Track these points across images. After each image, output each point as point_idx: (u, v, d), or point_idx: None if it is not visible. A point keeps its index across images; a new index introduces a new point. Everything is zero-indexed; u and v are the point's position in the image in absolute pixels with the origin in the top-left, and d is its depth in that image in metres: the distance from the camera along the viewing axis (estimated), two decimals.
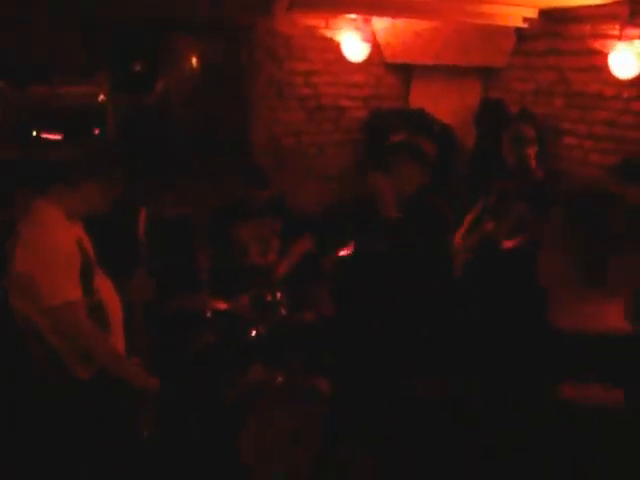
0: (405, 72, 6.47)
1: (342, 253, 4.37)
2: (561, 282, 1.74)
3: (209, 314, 4.14)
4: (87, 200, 2.88)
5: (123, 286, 3.19)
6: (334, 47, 6.03)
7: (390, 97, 6.45)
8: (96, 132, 4.70)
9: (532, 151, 4.54)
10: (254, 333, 4.02)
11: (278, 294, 4.21)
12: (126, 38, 5.19)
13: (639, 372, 1.59)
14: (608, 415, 1.53)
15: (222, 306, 4.10)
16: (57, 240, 2.73)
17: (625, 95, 5.44)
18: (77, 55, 4.80)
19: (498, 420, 1.68)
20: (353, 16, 5.95)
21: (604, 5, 5.39)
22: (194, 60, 5.67)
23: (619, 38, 5.32)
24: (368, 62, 6.16)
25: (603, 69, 5.49)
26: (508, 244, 4.35)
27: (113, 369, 2.90)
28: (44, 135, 4.48)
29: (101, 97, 4.75)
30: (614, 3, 5.29)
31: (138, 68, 5.31)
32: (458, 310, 4.14)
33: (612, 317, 1.64)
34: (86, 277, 2.84)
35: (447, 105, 6.58)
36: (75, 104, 4.56)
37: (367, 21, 6.05)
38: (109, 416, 2.88)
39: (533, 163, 4.56)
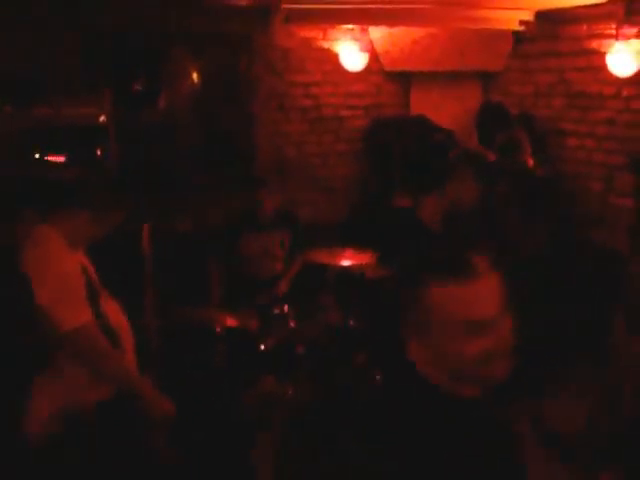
0: (404, 80, 6.49)
1: (345, 264, 4.38)
2: None
3: (219, 329, 4.14)
4: (86, 227, 2.89)
5: (134, 308, 3.21)
6: (332, 58, 6.06)
7: (390, 105, 6.48)
8: (98, 153, 4.72)
9: (526, 154, 4.56)
10: (263, 347, 4.03)
11: (285, 307, 4.22)
12: (126, 55, 5.23)
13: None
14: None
15: (231, 322, 4.11)
16: (62, 267, 2.74)
17: (624, 94, 5.44)
18: (77, 74, 4.85)
19: None
20: (350, 26, 5.99)
21: (600, 5, 5.39)
22: (195, 75, 5.70)
23: (616, 37, 5.33)
24: (367, 71, 6.20)
25: (601, 69, 5.49)
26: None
27: (130, 389, 2.90)
28: (47, 157, 4.51)
29: (102, 118, 4.78)
30: (609, 2, 5.29)
31: (139, 86, 5.35)
32: None
33: None
34: (92, 302, 2.85)
35: (448, 110, 6.59)
36: (77, 125, 4.58)
37: (364, 31, 6.09)
38: (117, 441, 2.88)
39: (530, 163, 4.58)
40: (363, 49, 6.07)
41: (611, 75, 5.41)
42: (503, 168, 4.58)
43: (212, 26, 5.47)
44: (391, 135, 6.18)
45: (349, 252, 4.47)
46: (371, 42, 6.17)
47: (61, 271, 2.71)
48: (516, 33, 6.29)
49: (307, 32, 5.95)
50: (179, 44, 5.51)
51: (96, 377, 2.82)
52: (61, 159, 4.43)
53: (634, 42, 5.23)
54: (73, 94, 4.75)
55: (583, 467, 3.29)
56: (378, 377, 3.81)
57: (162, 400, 2.98)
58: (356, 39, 6.04)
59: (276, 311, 4.20)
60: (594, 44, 5.61)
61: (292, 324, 4.13)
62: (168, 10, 5.24)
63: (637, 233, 4.01)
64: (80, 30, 4.82)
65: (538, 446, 3.36)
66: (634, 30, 5.23)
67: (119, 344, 2.97)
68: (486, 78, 6.74)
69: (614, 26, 5.38)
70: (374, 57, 6.18)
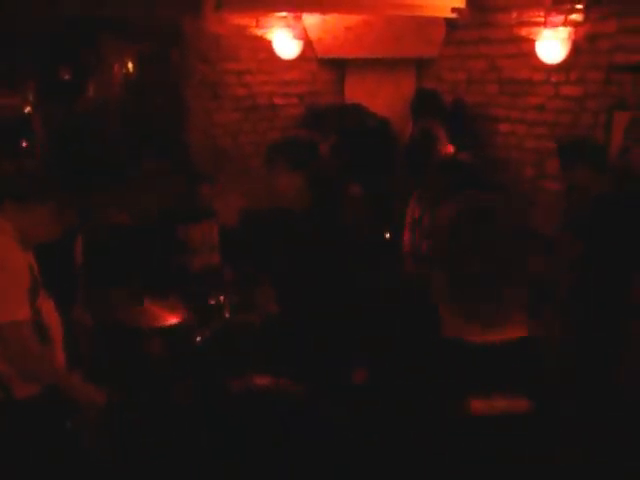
0: (339, 67, 6.49)
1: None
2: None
3: (154, 322, 4.08)
4: (41, 225, 2.85)
5: (66, 313, 3.16)
6: (266, 46, 6.02)
7: (325, 93, 6.48)
8: (24, 145, 4.59)
9: (441, 144, 4.61)
10: (199, 339, 3.98)
11: (221, 297, 4.17)
12: (51, 44, 5.08)
13: (540, 376, 1.58)
14: (516, 424, 1.51)
15: (167, 315, 4.04)
16: (9, 258, 2.70)
17: (553, 80, 5.54)
18: None
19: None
20: (283, 14, 5.94)
21: None
22: (124, 64, 5.58)
23: (544, 25, 5.42)
24: (301, 59, 6.18)
25: (531, 55, 5.59)
26: None
27: (59, 385, 2.86)
28: None
29: (27, 109, 4.65)
30: None
31: (66, 76, 5.20)
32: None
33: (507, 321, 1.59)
34: (32, 301, 2.81)
35: (383, 98, 6.62)
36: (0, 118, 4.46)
37: (298, 18, 6.06)
38: (47, 436, 2.83)
39: (449, 151, 4.63)
40: (297, 36, 6.05)
41: (540, 62, 5.52)
42: (418, 159, 4.62)
43: (141, 12, 5.35)
44: (326, 123, 6.16)
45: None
46: (305, 29, 6.13)
47: (9, 266, 2.68)
48: (449, 20, 6.33)
49: (240, 19, 5.89)
50: (107, 31, 5.37)
51: (22, 375, 2.77)
52: None
53: (562, 30, 5.33)
54: None
55: None
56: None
57: (90, 389, 2.94)
58: (289, 26, 6.01)
59: (212, 302, 4.15)
60: (523, 31, 5.69)
61: (227, 315, 4.09)
62: None
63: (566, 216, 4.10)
64: (0, 17, 4.66)
65: None
66: (561, 18, 5.33)
67: (49, 340, 2.92)
68: (420, 65, 6.78)
69: (542, 14, 5.47)
70: (308, 44, 6.16)
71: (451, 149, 4.91)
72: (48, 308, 2.97)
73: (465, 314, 1.58)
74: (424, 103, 6.07)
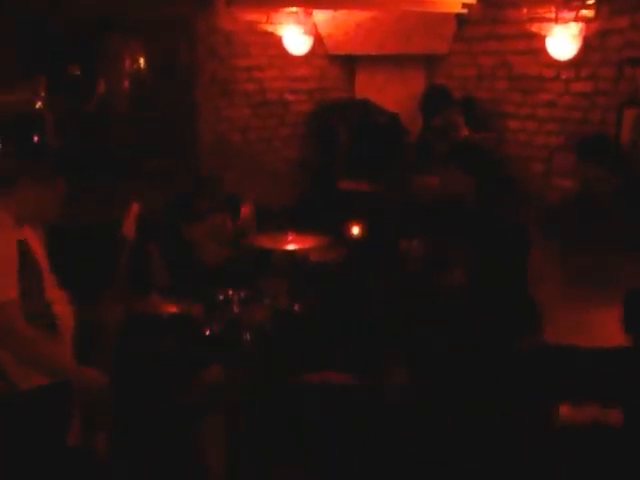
0: (349, 63, 6.49)
1: (290, 248, 4.38)
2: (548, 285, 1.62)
3: (163, 317, 4.10)
4: (28, 203, 2.86)
5: (92, 306, 3.16)
6: (276, 41, 6.02)
7: (335, 89, 6.48)
8: (35, 139, 4.62)
9: (461, 134, 4.62)
10: (208, 333, 4.00)
11: (230, 291, 4.19)
12: (62, 40, 5.10)
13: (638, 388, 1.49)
14: (607, 435, 1.46)
15: (173, 309, 4.06)
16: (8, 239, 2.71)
17: (564, 76, 5.53)
18: (11, 59, 4.72)
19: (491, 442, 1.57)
20: (294, 9, 5.95)
21: None
22: (135, 60, 5.60)
23: (555, 21, 5.41)
24: (311, 55, 6.18)
25: (542, 52, 5.58)
26: None
27: (50, 372, 2.85)
28: None
29: (38, 104, 4.67)
30: None
31: (76, 72, 5.22)
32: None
33: (608, 327, 1.53)
34: (29, 281, 2.80)
35: (392, 94, 6.61)
36: (12, 112, 4.47)
37: (308, 14, 6.06)
38: (51, 430, 2.84)
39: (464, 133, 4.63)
40: (307, 32, 6.05)
41: (551, 58, 5.51)
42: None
43: (152, 9, 5.37)
44: (336, 119, 6.18)
45: (293, 236, 4.46)
46: (315, 25, 6.14)
47: None
48: (459, 16, 6.32)
49: (250, 15, 5.89)
50: (118, 28, 5.39)
51: (21, 363, 2.77)
52: None
53: (572, 26, 5.32)
54: (7, 80, 4.63)
55: None
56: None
57: (91, 372, 2.91)
58: (300, 22, 6.01)
59: (220, 296, 4.16)
60: (534, 27, 5.68)
61: (236, 309, 4.10)
62: None
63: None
64: (14, 14, 4.68)
65: None
66: (572, 14, 5.32)
67: (57, 332, 2.93)
68: (430, 61, 6.77)
69: (553, 10, 5.46)
70: (318, 41, 6.16)
71: (466, 131, 4.93)
72: (59, 298, 2.98)
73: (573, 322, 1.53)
74: (435, 98, 6.07)
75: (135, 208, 3.32)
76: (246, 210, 4.86)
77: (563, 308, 1.52)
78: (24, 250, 2.81)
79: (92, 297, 3.18)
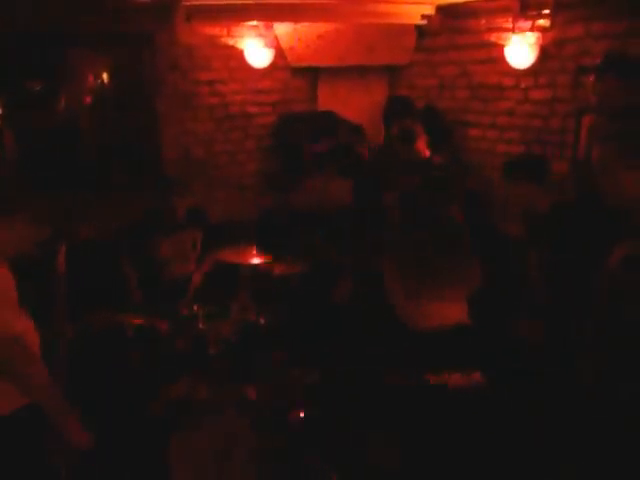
0: (311, 75, 6.52)
1: (254, 262, 4.38)
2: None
3: (131, 332, 4.08)
4: (18, 238, 2.83)
5: (43, 328, 3.14)
6: (237, 55, 6.03)
7: (298, 101, 6.50)
8: None
9: (421, 144, 4.65)
10: (173, 349, 3.98)
11: (195, 307, 4.18)
12: (22, 55, 5.06)
13: (491, 356, 1.72)
14: (470, 395, 1.64)
15: (138, 320, 4.05)
16: (7, 279, 2.69)
17: (523, 85, 5.61)
18: None
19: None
20: (254, 23, 5.96)
21: None
22: (96, 74, 5.57)
23: (513, 31, 5.49)
24: (273, 67, 6.20)
25: (501, 61, 5.66)
26: None
27: (52, 408, 2.81)
28: None
29: None
30: None
31: (37, 87, 5.18)
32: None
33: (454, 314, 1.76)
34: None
35: (355, 105, 6.66)
36: None
37: (269, 27, 6.07)
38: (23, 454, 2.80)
39: (426, 153, 4.67)
40: (268, 45, 6.06)
41: (510, 67, 5.59)
42: (397, 157, 4.66)
43: (112, 24, 5.35)
44: (300, 131, 6.19)
45: (257, 250, 4.46)
46: (276, 38, 6.16)
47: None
48: (419, 27, 6.40)
49: (211, 29, 5.90)
50: (78, 42, 5.36)
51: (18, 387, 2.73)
52: None
53: (529, 35, 5.41)
54: None
55: None
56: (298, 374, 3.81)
57: (82, 431, 2.88)
58: (261, 35, 6.02)
59: (185, 312, 4.15)
60: (493, 37, 5.77)
61: (201, 325, 4.09)
62: (66, 8, 5.11)
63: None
64: None
65: None
66: (529, 23, 5.41)
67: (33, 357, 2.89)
68: (392, 72, 6.84)
69: (511, 20, 5.54)
70: (280, 53, 6.18)
71: (427, 152, 4.96)
72: (27, 325, 2.95)
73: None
74: (397, 109, 6.12)
75: (62, 249, 3.44)
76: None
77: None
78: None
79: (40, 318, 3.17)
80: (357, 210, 3.88)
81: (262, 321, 4.22)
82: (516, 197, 3.96)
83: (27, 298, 3.00)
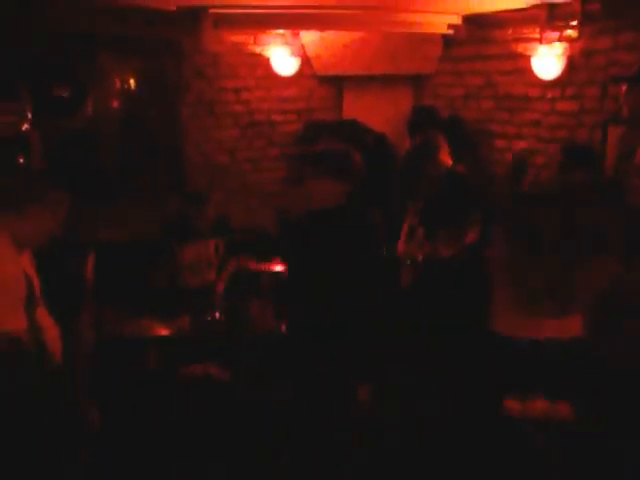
0: (336, 84, 6.53)
1: (277, 269, 4.38)
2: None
3: (152, 339, 4.11)
4: (35, 226, 2.83)
5: (66, 331, 3.17)
6: (264, 62, 6.06)
7: (323, 109, 6.51)
8: (20, 161, 4.62)
9: (443, 155, 4.62)
10: (196, 354, 4.00)
11: (217, 314, 4.19)
12: (50, 59, 5.11)
13: (591, 383, 1.48)
14: (554, 430, 1.42)
15: (164, 332, 4.07)
16: (5, 272, 2.68)
17: (549, 96, 5.57)
18: None
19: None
20: (281, 31, 5.99)
21: (524, 10, 5.52)
22: (122, 80, 5.62)
23: (540, 41, 5.45)
24: (299, 76, 6.22)
25: (527, 71, 5.62)
26: (446, 252, 4.40)
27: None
28: None
29: (25, 126, 4.68)
30: (533, 7, 5.41)
31: (64, 92, 5.23)
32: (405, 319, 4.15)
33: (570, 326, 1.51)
34: (29, 311, 2.80)
35: (380, 114, 6.65)
36: None
37: (295, 35, 6.10)
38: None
39: (449, 163, 4.65)
40: (295, 53, 6.09)
41: (536, 78, 5.54)
42: (420, 167, 4.64)
43: (140, 31, 5.41)
44: (324, 139, 6.19)
45: (279, 257, 4.47)
46: (303, 46, 6.18)
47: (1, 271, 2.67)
48: (445, 37, 6.38)
49: (237, 37, 5.94)
50: (106, 48, 5.41)
51: None
52: None
53: (557, 45, 5.36)
54: None
55: None
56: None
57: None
58: (287, 44, 6.05)
59: (208, 318, 4.16)
60: (519, 48, 5.73)
61: (224, 330, 4.10)
62: (94, 14, 5.17)
63: None
64: None
65: None
66: (556, 34, 5.36)
67: (48, 358, 2.92)
68: (417, 81, 6.82)
69: (538, 30, 5.50)
70: (306, 61, 6.21)
71: (449, 162, 4.92)
72: (49, 325, 2.96)
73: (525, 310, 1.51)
74: (422, 118, 6.10)
75: (91, 258, 3.50)
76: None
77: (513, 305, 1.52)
78: (27, 279, 2.81)
79: (66, 317, 3.19)
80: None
81: (283, 327, 4.23)
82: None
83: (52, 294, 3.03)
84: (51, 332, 2.96)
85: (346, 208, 3.46)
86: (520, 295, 1.48)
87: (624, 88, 4.18)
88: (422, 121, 5.95)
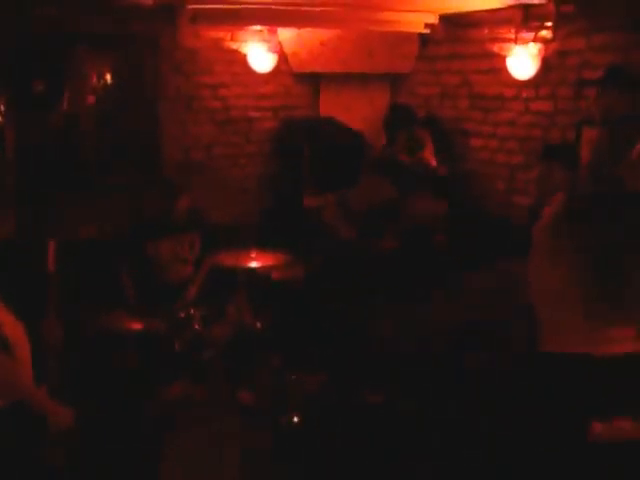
0: (313, 81, 6.54)
1: (252, 266, 4.38)
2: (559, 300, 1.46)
3: (125, 334, 4.08)
4: None
5: (33, 328, 3.14)
6: (241, 59, 6.06)
7: (300, 106, 6.52)
8: None
9: (428, 152, 4.66)
10: (169, 351, 3.98)
11: (191, 310, 4.17)
12: (23, 56, 5.07)
13: None
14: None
15: (137, 326, 4.05)
16: None
17: (524, 95, 5.63)
18: None
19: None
20: (258, 27, 5.99)
21: (499, 10, 5.58)
22: (99, 76, 5.59)
23: (515, 41, 5.51)
24: (276, 73, 6.22)
25: (502, 71, 5.68)
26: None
27: (24, 400, 2.83)
28: None
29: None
30: (508, 8, 5.47)
31: (40, 87, 5.19)
32: None
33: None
34: None
35: (357, 111, 6.68)
36: None
37: (273, 32, 6.10)
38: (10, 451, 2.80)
39: (433, 162, 4.69)
40: (272, 50, 6.08)
41: (511, 77, 5.60)
42: (407, 166, 4.68)
43: (117, 26, 5.38)
44: (301, 136, 6.22)
45: (256, 254, 4.46)
46: (280, 43, 6.18)
47: None
48: (422, 35, 6.42)
49: (215, 33, 5.93)
50: (83, 44, 5.38)
51: None
52: None
53: (532, 46, 5.42)
54: None
55: None
56: (294, 377, 3.82)
57: (59, 409, 2.91)
58: (265, 40, 6.04)
59: (182, 314, 4.15)
60: (495, 47, 5.79)
61: (198, 327, 4.09)
62: (71, 8, 5.14)
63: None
64: None
65: None
66: (531, 35, 5.42)
67: (11, 352, 2.89)
68: (394, 80, 6.86)
69: (513, 30, 5.56)
70: (283, 58, 6.21)
71: (434, 161, 4.96)
72: (8, 320, 2.94)
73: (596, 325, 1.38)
74: (398, 116, 6.14)
75: (52, 246, 3.48)
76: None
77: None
78: None
79: (32, 314, 3.17)
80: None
81: (258, 324, 4.23)
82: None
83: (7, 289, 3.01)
84: (10, 328, 2.94)
85: None
86: (595, 310, 1.36)
87: (593, 91, 4.24)
88: (402, 119, 5.99)
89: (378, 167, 5.47)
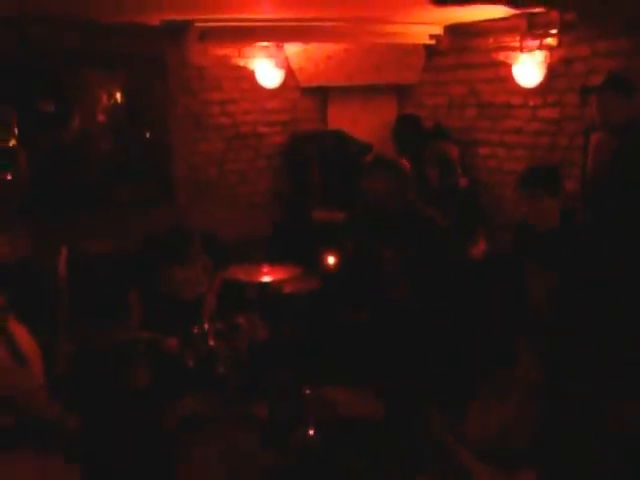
0: (321, 95, 6.59)
1: (264, 280, 4.41)
2: None
3: (142, 347, 4.11)
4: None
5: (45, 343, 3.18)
6: (248, 75, 6.12)
7: (308, 120, 6.56)
8: (8, 178, 4.64)
9: (457, 171, 4.66)
10: (183, 367, 4.01)
11: (205, 325, 4.20)
12: (36, 74, 5.13)
13: None
14: None
15: (147, 335, 4.08)
16: None
17: (531, 103, 5.64)
18: None
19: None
20: (265, 44, 6.05)
21: (504, 19, 5.61)
22: (108, 95, 5.65)
23: (520, 50, 5.54)
24: (283, 87, 6.27)
25: (509, 79, 5.70)
26: None
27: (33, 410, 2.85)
28: None
29: (12, 142, 4.70)
30: (513, 16, 5.50)
31: (50, 107, 5.25)
32: None
33: None
34: None
35: (365, 124, 6.71)
36: None
37: (280, 47, 6.16)
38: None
39: (464, 182, 4.68)
40: (279, 66, 6.14)
41: (518, 85, 5.62)
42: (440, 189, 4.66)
43: (124, 45, 5.44)
44: (310, 150, 6.25)
45: (267, 268, 4.49)
46: (287, 58, 6.24)
47: None
48: (428, 47, 6.45)
49: (222, 50, 5.98)
50: (91, 64, 5.45)
51: None
52: None
53: (537, 54, 5.44)
54: None
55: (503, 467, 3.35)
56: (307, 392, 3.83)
57: (72, 425, 2.93)
58: (272, 56, 6.11)
59: (195, 330, 4.18)
60: (501, 56, 5.81)
61: (212, 343, 4.11)
62: (79, 29, 5.21)
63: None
64: None
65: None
66: (536, 42, 5.45)
67: (30, 371, 2.92)
68: (401, 91, 6.89)
69: (518, 39, 5.59)
70: (290, 73, 6.26)
71: (465, 181, 4.95)
72: (24, 336, 2.97)
73: None
74: (406, 127, 6.17)
75: (64, 252, 3.50)
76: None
77: None
78: None
79: (43, 328, 3.20)
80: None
81: (272, 339, 4.25)
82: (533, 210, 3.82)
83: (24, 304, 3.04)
84: (26, 340, 2.97)
85: None
86: None
87: (594, 98, 4.24)
88: (406, 130, 6.01)
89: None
